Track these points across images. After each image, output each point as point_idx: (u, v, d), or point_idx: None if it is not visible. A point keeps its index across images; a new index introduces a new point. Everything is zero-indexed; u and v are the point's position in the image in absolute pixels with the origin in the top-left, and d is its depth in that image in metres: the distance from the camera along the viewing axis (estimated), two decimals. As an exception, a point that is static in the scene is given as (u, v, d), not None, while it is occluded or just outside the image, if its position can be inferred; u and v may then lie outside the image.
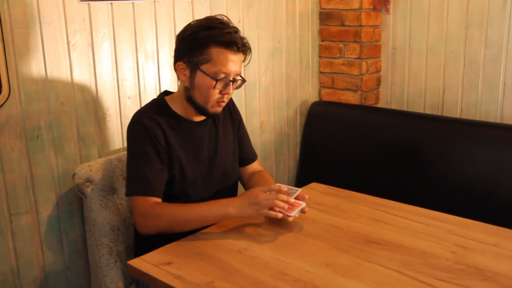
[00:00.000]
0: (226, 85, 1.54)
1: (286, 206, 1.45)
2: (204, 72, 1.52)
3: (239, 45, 1.52)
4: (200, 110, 1.59)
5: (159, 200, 1.53)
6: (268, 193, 1.48)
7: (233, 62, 1.52)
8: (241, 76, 1.59)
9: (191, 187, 1.62)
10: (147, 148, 1.53)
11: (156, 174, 1.53)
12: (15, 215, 1.71)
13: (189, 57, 1.53)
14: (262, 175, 1.79)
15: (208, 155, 1.66)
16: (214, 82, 1.51)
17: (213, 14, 1.58)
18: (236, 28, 1.55)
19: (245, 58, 1.59)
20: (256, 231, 1.51)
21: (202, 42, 1.50)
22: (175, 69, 1.59)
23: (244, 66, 1.61)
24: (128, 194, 1.55)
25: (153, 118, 1.57)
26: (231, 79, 1.54)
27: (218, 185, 1.69)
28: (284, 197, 1.47)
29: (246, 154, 1.83)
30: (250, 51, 1.58)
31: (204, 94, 1.55)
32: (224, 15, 1.58)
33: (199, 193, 1.64)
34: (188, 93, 1.58)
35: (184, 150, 1.61)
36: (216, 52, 1.50)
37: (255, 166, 1.84)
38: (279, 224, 1.55)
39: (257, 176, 1.79)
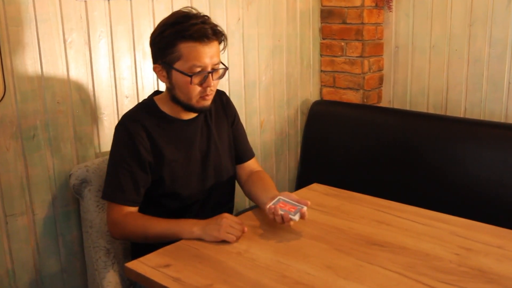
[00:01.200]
0: (205, 78, 1.53)
1: (234, 238, 1.45)
2: (178, 70, 1.51)
3: (209, 35, 1.49)
4: (187, 107, 1.59)
5: (133, 209, 1.57)
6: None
7: (206, 54, 1.50)
8: (222, 63, 1.58)
9: (183, 187, 1.62)
10: (127, 156, 1.55)
11: (133, 184, 1.55)
12: (10, 216, 1.71)
13: (161, 58, 1.54)
14: (261, 176, 1.78)
15: (200, 153, 1.66)
16: (189, 78, 1.51)
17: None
18: (205, 17, 1.52)
19: (223, 45, 1.57)
20: (256, 233, 1.51)
21: (169, 40, 1.50)
22: (155, 72, 1.60)
23: (222, 53, 1.59)
24: (103, 197, 1.60)
25: (139, 120, 1.58)
26: (209, 70, 1.52)
27: (213, 184, 1.68)
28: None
29: (241, 151, 1.81)
30: (225, 37, 1.57)
31: (184, 92, 1.55)
32: (191, 7, 1.56)
33: (192, 192, 1.63)
34: (171, 93, 1.59)
35: (173, 149, 1.61)
36: (185, 47, 1.49)
37: (252, 165, 1.83)
38: (280, 226, 1.55)
39: (255, 177, 1.77)
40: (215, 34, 1.51)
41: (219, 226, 1.45)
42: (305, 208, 1.50)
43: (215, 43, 1.53)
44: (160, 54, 1.54)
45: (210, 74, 1.53)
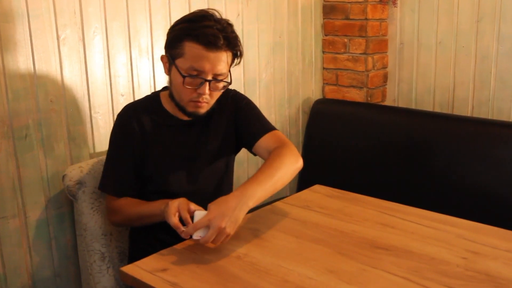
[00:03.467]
0: (201, 84, 1.51)
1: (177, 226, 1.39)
2: (176, 67, 1.52)
3: (218, 43, 1.46)
4: (179, 108, 1.59)
5: (125, 197, 1.63)
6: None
7: (208, 60, 1.47)
8: (231, 75, 1.55)
9: (175, 186, 1.63)
10: (121, 147, 1.62)
11: (126, 174, 1.62)
12: (2, 219, 1.71)
13: (168, 50, 1.55)
14: (268, 158, 1.61)
15: (197, 154, 1.66)
16: (182, 79, 1.50)
17: (210, 7, 1.58)
18: (225, 25, 1.50)
19: (236, 58, 1.55)
20: (256, 236, 1.51)
21: (177, 35, 1.51)
22: (161, 61, 1.62)
23: (232, 67, 1.57)
24: (99, 188, 1.67)
25: (136, 113, 1.61)
26: (207, 78, 1.49)
27: (208, 185, 1.68)
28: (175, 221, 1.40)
29: (251, 134, 1.68)
30: (240, 51, 1.54)
31: (177, 91, 1.55)
32: (216, 10, 1.54)
33: (185, 192, 1.62)
34: (169, 88, 1.61)
35: (167, 148, 1.62)
36: (189, 47, 1.48)
37: (266, 142, 1.65)
38: (280, 229, 1.55)
39: (271, 156, 1.62)
40: (227, 44, 1.49)
41: (167, 215, 1.42)
42: (198, 237, 1.38)
43: (224, 54, 1.49)
44: (168, 46, 1.55)
45: (207, 83, 1.50)
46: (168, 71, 1.58)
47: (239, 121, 1.71)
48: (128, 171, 1.61)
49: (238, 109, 1.72)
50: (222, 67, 1.50)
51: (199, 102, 1.53)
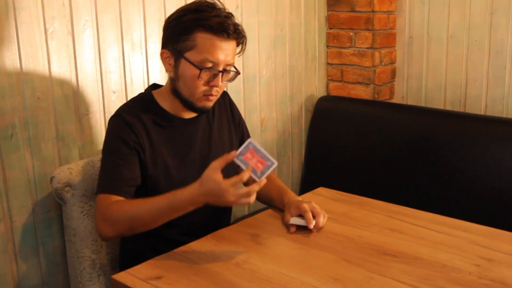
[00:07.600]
0: (214, 76, 1.53)
1: (249, 202, 1.36)
2: (188, 60, 1.52)
3: (230, 32, 1.50)
4: (187, 104, 1.59)
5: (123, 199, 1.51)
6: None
7: (222, 50, 1.51)
8: (235, 67, 1.58)
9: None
10: (123, 147, 1.54)
11: (127, 174, 1.52)
12: (-14, 223, 1.71)
13: (173, 43, 1.54)
14: (270, 179, 1.75)
15: (199, 155, 1.66)
16: (198, 72, 1.51)
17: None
18: (229, 13, 1.54)
19: (240, 47, 1.58)
20: (256, 242, 1.52)
21: (187, 26, 1.51)
22: (161, 58, 1.61)
23: (238, 57, 1.60)
24: (96, 192, 1.54)
25: (136, 114, 1.58)
26: (220, 69, 1.53)
27: None
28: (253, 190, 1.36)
29: None
30: (245, 40, 1.58)
31: (188, 86, 1.55)
32: (218, 0, 1.57)
33: None
34: (173, 84, 1.59)
35: (170, 149, 1.61)
36: (201, 37, 1.49)
37: None
38: (282, 234, 1.55)
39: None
40: (235, 32, 1.53)
41: (225, 199, 1.35)
42: (272, 165, 1.39)
43: (233, 43, 1.54)
44: (173, 39, 1.54)
45: (220, 74, 1.53)
46: (174, 67, 1.57)
47: (240, 136, 1.82)
48: (131, 170, 1.52)
49: (241, 121, 1.83)
50: (232, 57, 1.55)
51: (211, 95, 1.56)
